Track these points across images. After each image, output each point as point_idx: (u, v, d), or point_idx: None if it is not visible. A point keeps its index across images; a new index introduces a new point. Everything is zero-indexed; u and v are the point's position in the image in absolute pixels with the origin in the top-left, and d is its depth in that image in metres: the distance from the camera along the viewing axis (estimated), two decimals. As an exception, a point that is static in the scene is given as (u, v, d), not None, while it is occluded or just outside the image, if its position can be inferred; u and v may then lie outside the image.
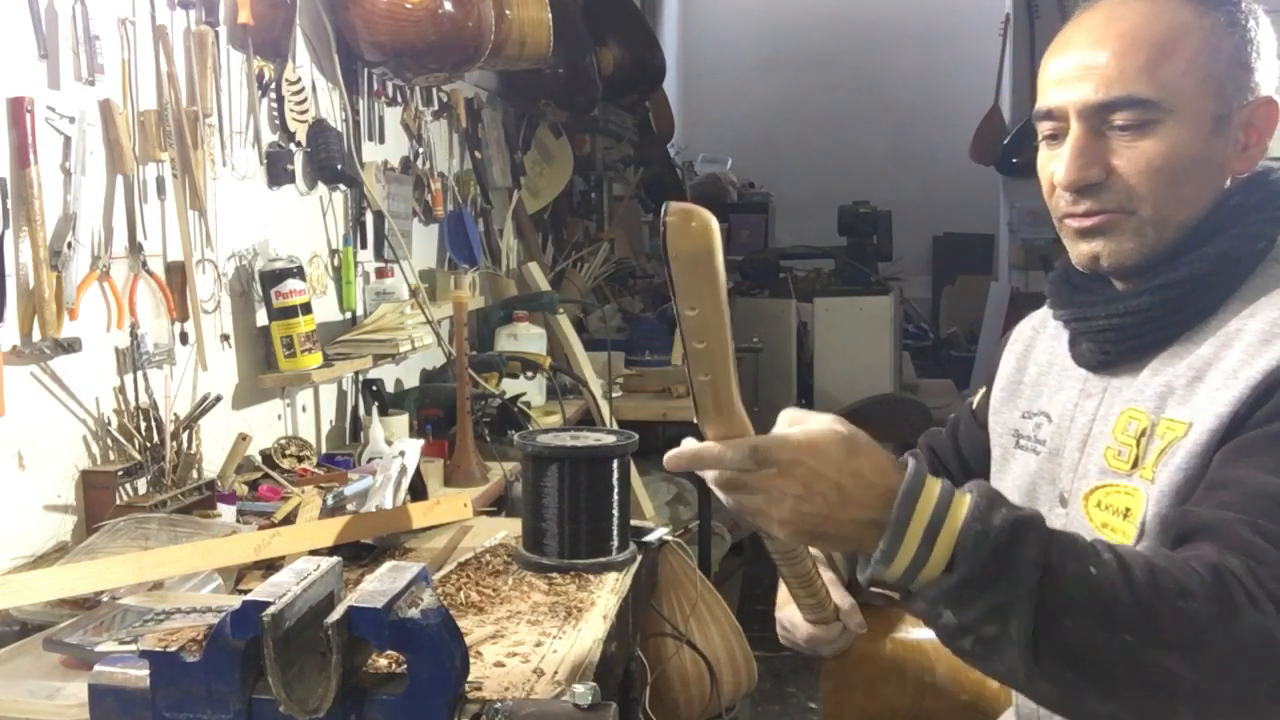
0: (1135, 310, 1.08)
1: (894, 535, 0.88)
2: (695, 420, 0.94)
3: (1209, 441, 0.99)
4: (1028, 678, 0.87)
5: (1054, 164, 1.11)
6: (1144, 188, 1.06)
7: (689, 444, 0.94)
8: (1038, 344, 1.29)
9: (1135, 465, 1.05)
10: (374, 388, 2.66)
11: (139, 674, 0.99)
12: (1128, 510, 1.05)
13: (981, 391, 1.39)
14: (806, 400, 4.98)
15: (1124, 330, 1.09)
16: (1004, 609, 0.85)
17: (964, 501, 0.89)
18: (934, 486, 0.90)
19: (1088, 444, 1.12)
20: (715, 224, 0.86)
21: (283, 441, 2.23)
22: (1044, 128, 1.13)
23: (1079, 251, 1.12)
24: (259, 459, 2.17)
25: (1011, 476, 1.25)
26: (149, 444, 1.86)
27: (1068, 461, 1.15)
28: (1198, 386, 1.02)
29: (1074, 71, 1.08)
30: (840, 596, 1.25)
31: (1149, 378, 1.07)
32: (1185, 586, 0.86)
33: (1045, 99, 1.11)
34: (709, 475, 0.95)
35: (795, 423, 0.93)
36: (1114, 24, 1.07)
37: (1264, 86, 1.08)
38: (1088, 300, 1.14)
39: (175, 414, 1.93)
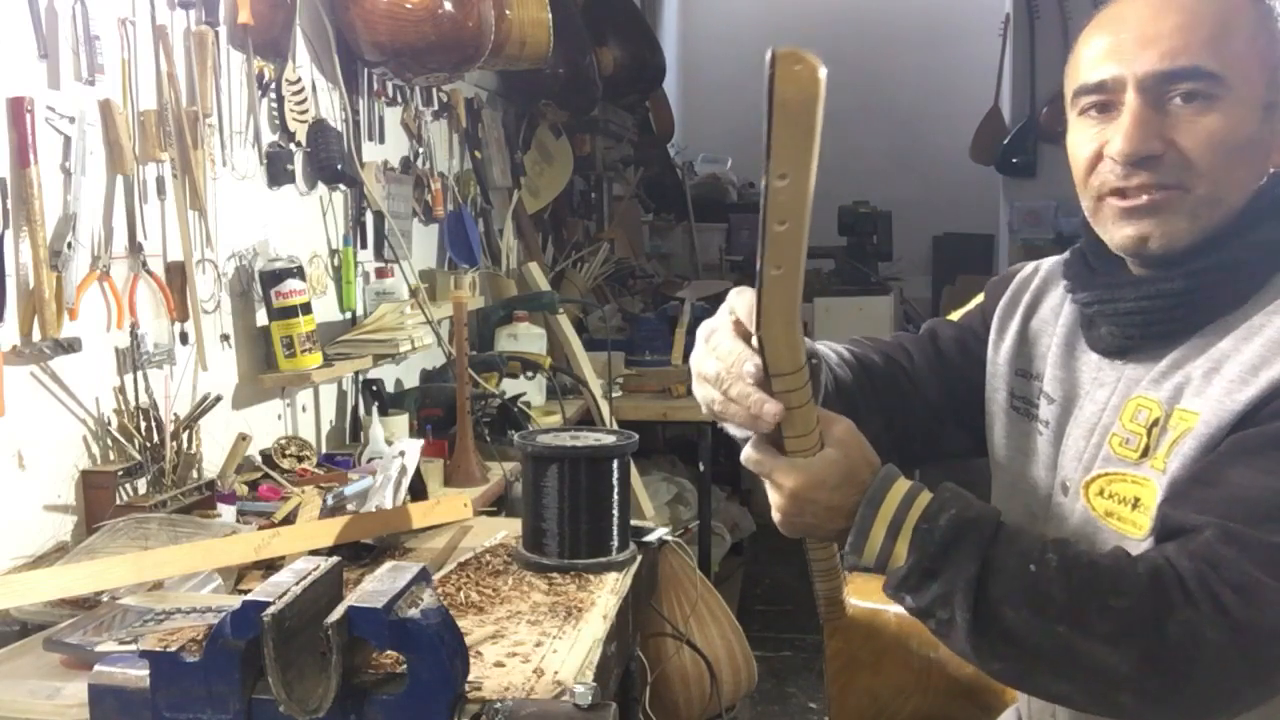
0: (1167, 294, 1.05)
1: (858, 534, 1.00)
2: (755, 329, 0.93)
3: (1217, 436, 0.98)
4: (978, 657, 0.97)
5: (1106, 135, 1.06)
6: (1203, 163, 1.02)
7: (749, 450, 1.04)
8: (1045, 300, 1.24)
9: (1145, 454, 1.04)
10: (374, 388, 2.66)
11: (139, 674, 0.99)
12: (1137, 500, 1.04)
13: (973, 305, 1.34)
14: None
15: (1151, 314, 1.06)
16: (948, 597, 0.96)
17: (922, 500, 1.00)
18: (897, 493, 1.00)
19: (1095, 433, 1.10)
20: (825, 73, 0.80)
21: (283, 441, 2.23)
22: (1086, 101, 1.08)
23: (1123, 234, 1.06)
24: (259, 459, 2.17)
25: (1005, 438, 1.24)
26: (149, 444, 1.86)
27: (1072, 449, 1.13)
28: (1213, 378, 1.01)
29: (1133, 42, 1.04)
30: None
31: (1167, 369, 1.05)
32: (1119, 586, 0.92)
33: (1096, 71, 1.06)
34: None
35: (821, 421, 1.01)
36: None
37: None
38: (1112, 282, 1.10)
39: (175, 414, 1.93)
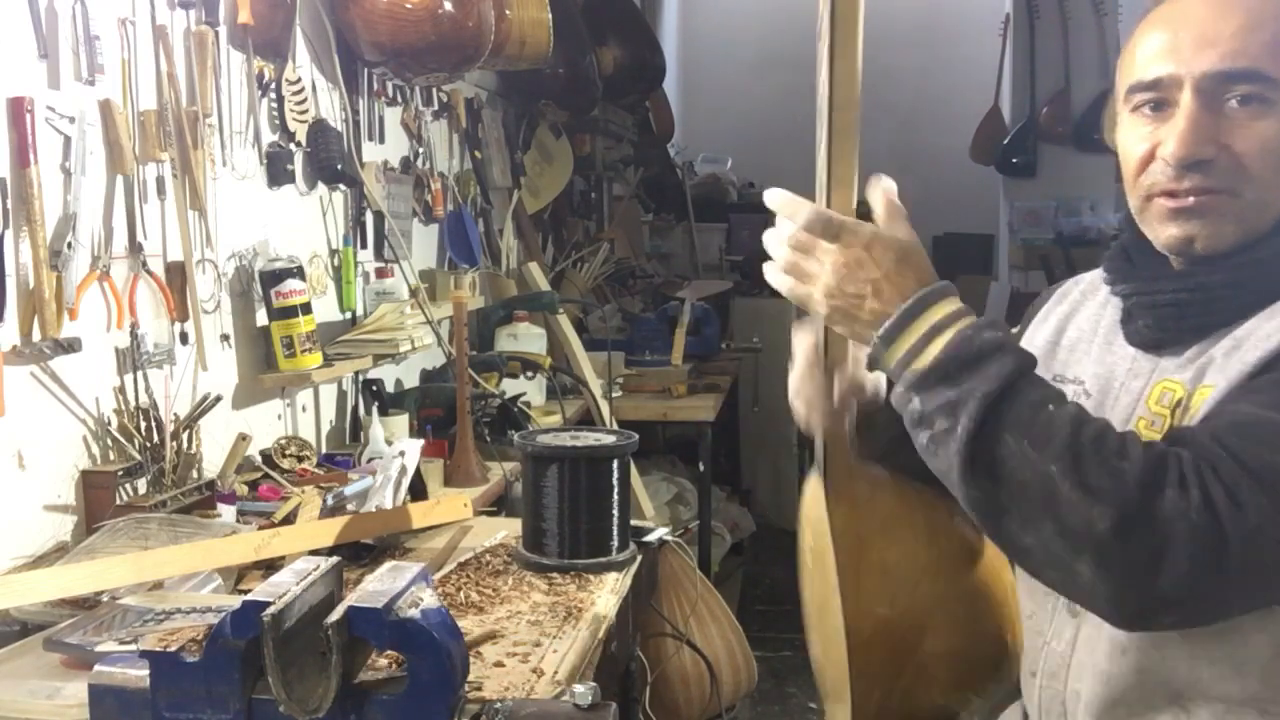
0: (1206, 287, 1.05)
1: (901, 320, 0.99)
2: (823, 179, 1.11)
3: (1229, 392, 0.99)
4: (960, 479, 0.95)
5: (1160, 135, 1.05)
6: (1255, 168, 1.02)
7: (786, 194, 1.11)
8: (1083, 309, 1.25)
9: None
10: (374, 388, 2.66)
11: (139, 674, 0.99)
12: None
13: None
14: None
15: (1187, 307, 1.07)
16: (957, 405, 0.95)
17: (969, 319, 0.99)
18: (953, 301, 1.00)
19: (1128, 424, 1.10)
20: None
21: (283, 441, 2.23)
22: (1141, 98, 1.07)
23: (1169, 234, 1.07)
24: (259, 459, 2.17)
25: None
26: (149, 444, 1.86)
27: None
28: (1234, 354, 1.02)
29: (1192, 41, 1.03)
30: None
31: (1194, 355, 1.06)
32: (1125, 450, 0.92)
33: (1152, 68, 1.06)
34: (783, 235, 1.08)
35: (889, 216, 1.09)
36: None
37: None
38: (1152, 275, 1.11)
39: (175, 414, 1.93)
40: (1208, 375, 1.03)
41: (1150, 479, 0.90)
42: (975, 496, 0.96)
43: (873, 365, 1.03)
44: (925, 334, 0.98)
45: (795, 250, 1.06)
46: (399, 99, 2.96)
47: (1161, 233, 1.08)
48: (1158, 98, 1.06)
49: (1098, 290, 1.25)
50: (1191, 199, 1.04)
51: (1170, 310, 1.08)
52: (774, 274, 1.09)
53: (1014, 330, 1.35)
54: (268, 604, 0.93)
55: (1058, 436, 0.92)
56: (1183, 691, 1.03)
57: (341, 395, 2.68)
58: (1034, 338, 1.28)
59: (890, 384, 1.05)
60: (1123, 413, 1.12)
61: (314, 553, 1.45)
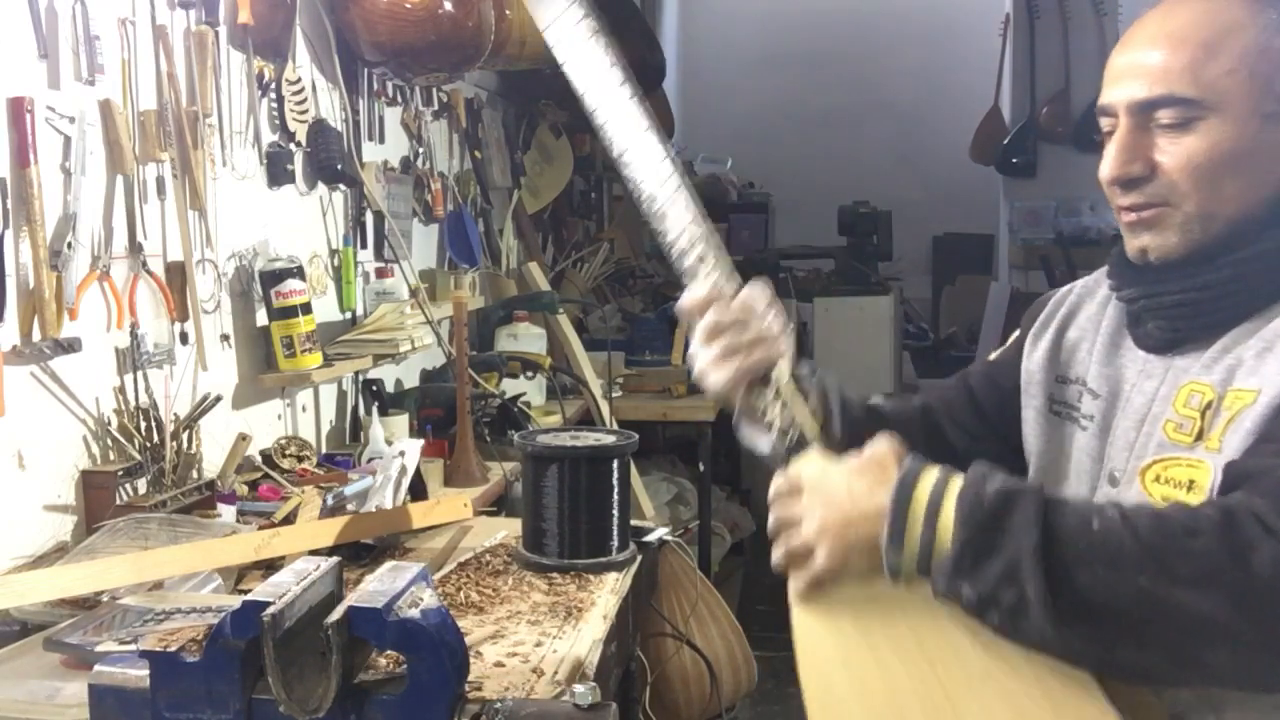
0: (1214, 284, 1.08)
1: (896, 518, 0.97)
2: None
3: (1277, 404, 0.99)
4: (1059, 638, 0.92)
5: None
6: (1186, 184, 1.07)
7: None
8: (1081, 311, 1.28)
9: (1199, 438, 1.05)
10: (374, 388, 2.66)
11: (139, 674, 0.99)
12: (1192, 482, 1.04)
13: (1009, 342, 1.37)
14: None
15: (1199, 305, 1.09)
16: (1013, 572, 0.91)
17: (958, 479, 0.98)
18: (930, 472, 0.99)
19: (1146, 423, 1.11)
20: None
21: (283, 441, 2.23)
22: (1102, 124, 1.15)
23: (1130, 245, 1.14)
24: (259, 459, 2.16)
25: (1044, 443, 1.25)
26: (149, 444, 1.86)
27: (1121, 440, 1.14)
28: (1267, 356, 1.02)
29: (1126, 70, 1.11)
30: None
31: (1218, 354, 1.07)
32: (1192, 526, 0.90)
33: (1104, 96, 1.14)
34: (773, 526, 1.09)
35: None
36: (1166, 23, 1.10)
37: None
38: (1159, 277, 1.13)
39: (175, 414, 1.93)
40: (1239, 378, 1.04)
41: (1236, 542, 0.89)
42: (1080, 646, 0.93)
43: (896, 575, 1.00)
44: (926, 517, 0.97)
45: (781, 522, 1.07)
46: (399, 99, 2.96)
47: (1127, 243, 1.15)
48: (1109, 124, 1.14)
49: (1095, 293, 1.27)
50: (1134, 214, 1.11)
51: (1182, 310, 1.11)
52: (778, 555, 1.09)
53: (1015, 335, 1.37)
54: (268, 604, 0.93)
55: (1126, 548, 0.90)
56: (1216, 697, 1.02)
57: (341, 395, 2.68)
58: (1034, 348, 1.29)
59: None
60: (1137, 413, 1.13)
61: (314, 553, 1.45)
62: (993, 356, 1.39)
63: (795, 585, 1.07)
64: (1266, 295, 1.07)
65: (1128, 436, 1.13)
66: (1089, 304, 1.27)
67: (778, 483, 1.09)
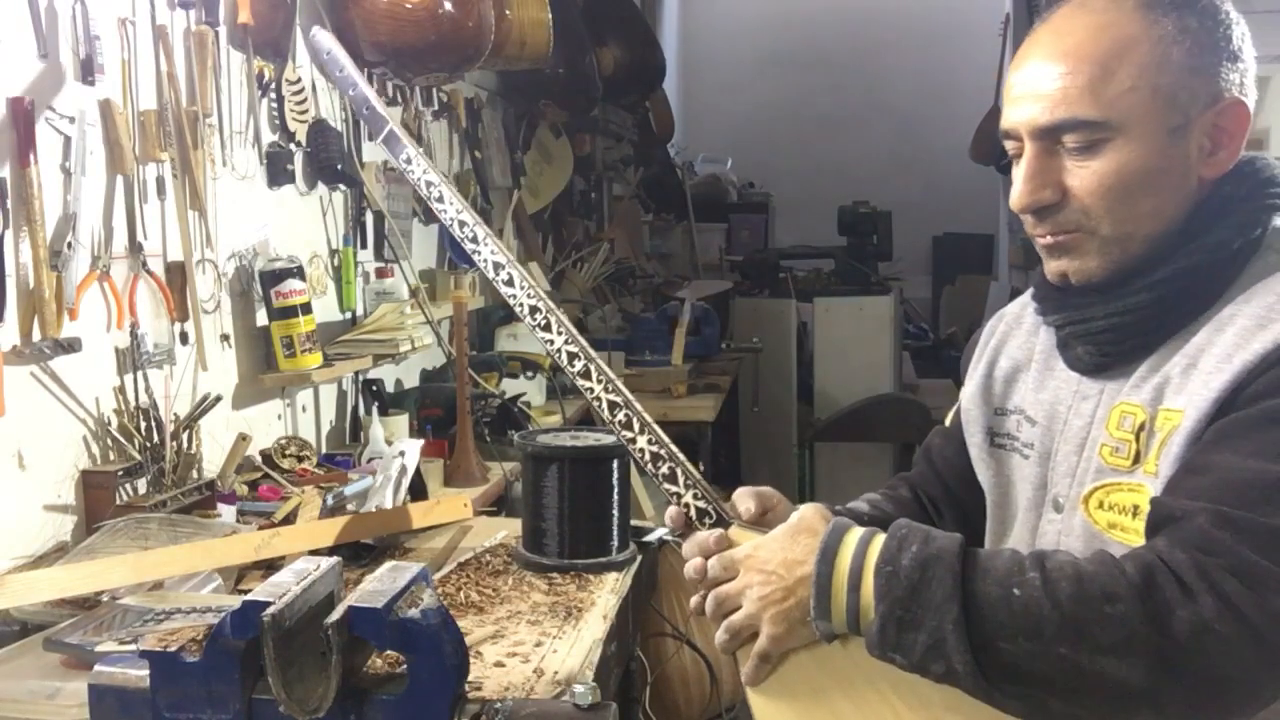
0: (1136, 308, 1.07)
1: (819, 589, 0.99)
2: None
3: (1199, 427, 0.98)
4: (993, 697, 0.93)
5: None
6: (1099, 207, 1.05)
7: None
8: (1011, 340, 1.27)
9: (1136, 461, 1.04)
10: (374, 388, 2.66)
11: (139, 674, 0.99)
12: (1136, 508, 1.03)
13: (954, 410, 1.36)
14: (806, 400, 4.97)
15: (1124, 330, 1.08)
16: (938, 645, 0.93)
17: (878, 544, 0.99)
18: (852, 538, 1.01)
19: (1085, 447, 1.10)
20: None
21: (283, 441, 2.23)
22: (1008, 147, 1.12)
23: (1049, 268, 1.12)
24: (259, 459, 2.16)
25: (991, 477, 1.24)
26: (149, 444, 1.86)
27: (1062, 466, 1.13)
28: (1191, 373, 1.01)
29: (1024, 91, 1.08)
30: None
31: (1146, 373, 1.06)
32: (1111, 591, 0.90)
33: (1006, 118, 1.11)
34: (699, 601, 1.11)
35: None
36: (1060, 41, 1.06)
37: (1232, 89, 1.05)
38: (1084, 303, 1.12)
39: (175, 414, 1.93)
40: (1167, 397, 1.03)
41: (1154, 607, 0.88)
42: (1016, 706, 0.94)
43: (832, 640, 1.03)
44: (849, 587, 0.98)
45: (719, 603, 1.08)
46: (399, 99, 2.96)
47: (1045, 266, 1.13)
48: (1014, 147, 1.10)
49: (1022, 319, 1.26)
50: (1050, 238, 1.09)
51: (1108, 335, 1.09)
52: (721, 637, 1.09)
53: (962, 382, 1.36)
54: (268, 604, 0.93)
55: (1045, 618, 0.91)
56: None
57: (341, 395, 2.68)
58: (968, 385, 1.29)
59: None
60: (1075, 436, 1.12)
61: (314, 553, 1.45)
62: (947, 421, 1.38)
63: (745, 669, 1.07)
64: (1189, 311, 1.05)
65: (1069, 461, 1.12)
66: (1017, 332, 1.26)
67: (709, 563, 1.09)
